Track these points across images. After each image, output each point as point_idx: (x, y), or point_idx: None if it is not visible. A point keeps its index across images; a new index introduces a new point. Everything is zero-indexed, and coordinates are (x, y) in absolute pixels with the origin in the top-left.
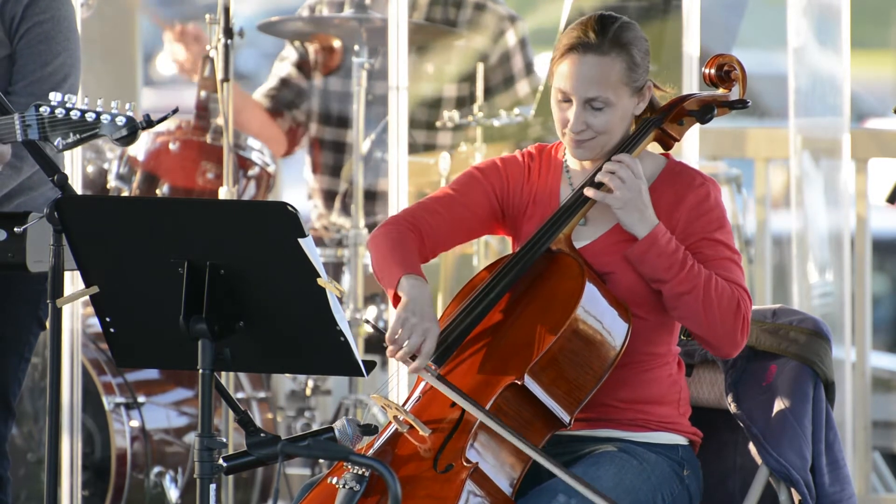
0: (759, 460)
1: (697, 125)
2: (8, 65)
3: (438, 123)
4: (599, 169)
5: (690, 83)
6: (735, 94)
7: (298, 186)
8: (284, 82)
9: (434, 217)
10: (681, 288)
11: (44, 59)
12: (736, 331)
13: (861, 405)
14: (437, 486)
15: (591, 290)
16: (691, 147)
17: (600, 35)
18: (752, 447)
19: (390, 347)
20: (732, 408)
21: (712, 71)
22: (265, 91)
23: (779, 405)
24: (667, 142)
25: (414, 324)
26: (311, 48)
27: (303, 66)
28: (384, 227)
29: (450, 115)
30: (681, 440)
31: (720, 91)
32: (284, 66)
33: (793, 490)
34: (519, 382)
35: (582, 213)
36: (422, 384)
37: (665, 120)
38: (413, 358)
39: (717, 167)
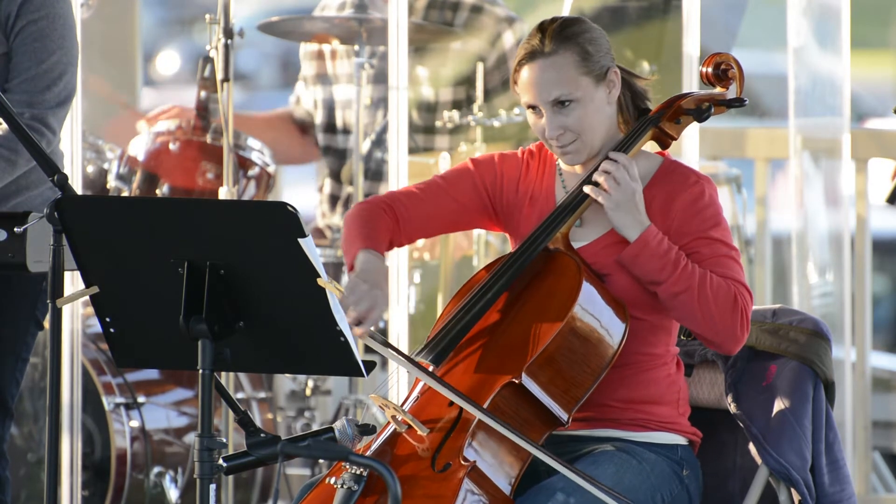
0: (759, 460)
1: (696, 125)
2: (5, 62)
3: (438, 124)
4: (596, 168)
5: (690, 83)
6: (732, 92)
7: (299, 186)
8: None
9: (414, 202)
10: (675, 288)
11: (39, 57)
12: (735, 327)
13: (861, 405)
14: (434, 486)
15: (588, 289)
16: (691, 147)
17: (542, 39)
18: (752, 447)
19: None
20: (732, 408)
21: (709, 70)
22: (295, 114)
23: (779, 405)
24: (664, 141)
25: (364, 290)
26: (326, 53)
27: (321, 78)
28: (359, 206)
29: (450, 116)
30: (680, 440)
31: (717, 89)
32: (304, 90)
33: (793, 490)
34: (516, 381)
35: (579, 212)
36: (420, 384)
37: (662, 119)
38: (359, 324)
39: (717, 167)
